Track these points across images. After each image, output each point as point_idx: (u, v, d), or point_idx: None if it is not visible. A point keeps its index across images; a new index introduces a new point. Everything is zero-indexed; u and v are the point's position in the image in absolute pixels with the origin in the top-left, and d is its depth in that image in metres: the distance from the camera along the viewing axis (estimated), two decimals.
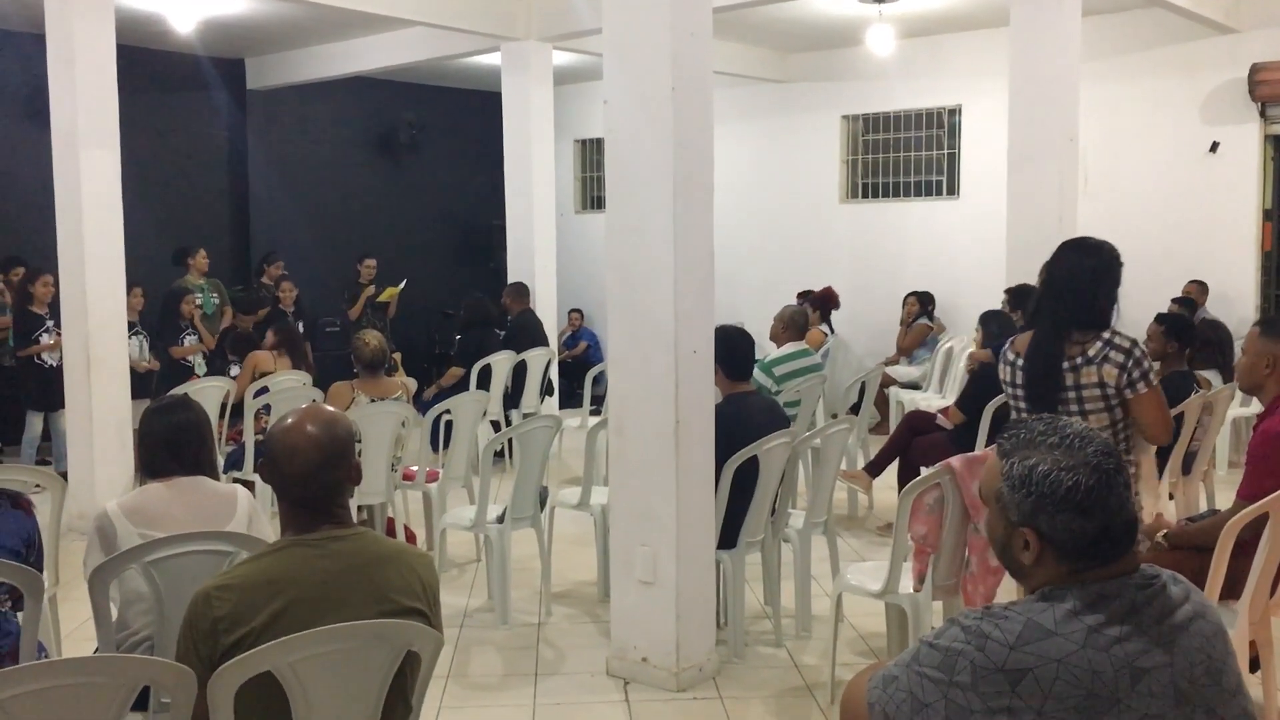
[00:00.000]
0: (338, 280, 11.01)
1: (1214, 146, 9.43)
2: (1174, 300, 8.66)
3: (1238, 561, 3.47)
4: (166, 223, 10.39)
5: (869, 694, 1.88)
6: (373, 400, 5.91)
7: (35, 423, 8.38)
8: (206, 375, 8.29)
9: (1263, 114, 9.24)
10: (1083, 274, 3.57)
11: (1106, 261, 3.59)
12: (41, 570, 3.34)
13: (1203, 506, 5.92)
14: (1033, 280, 6.98)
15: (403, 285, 10.74)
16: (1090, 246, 3.65)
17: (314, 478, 2.34)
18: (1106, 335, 3.50)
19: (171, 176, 10.93)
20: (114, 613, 3.07)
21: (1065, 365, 3.52)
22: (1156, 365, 6.08)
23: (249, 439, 6.52)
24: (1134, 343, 3.50)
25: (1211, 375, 6.70)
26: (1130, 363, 3.48)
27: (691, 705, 4.18)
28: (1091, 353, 3.49)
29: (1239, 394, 6.76)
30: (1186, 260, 9.43)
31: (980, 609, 1.83)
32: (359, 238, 11.76)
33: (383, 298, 10.63)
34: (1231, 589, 3.50)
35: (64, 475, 6.54)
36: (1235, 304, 9.25)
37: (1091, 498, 1.79)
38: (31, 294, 8.22)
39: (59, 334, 7.49)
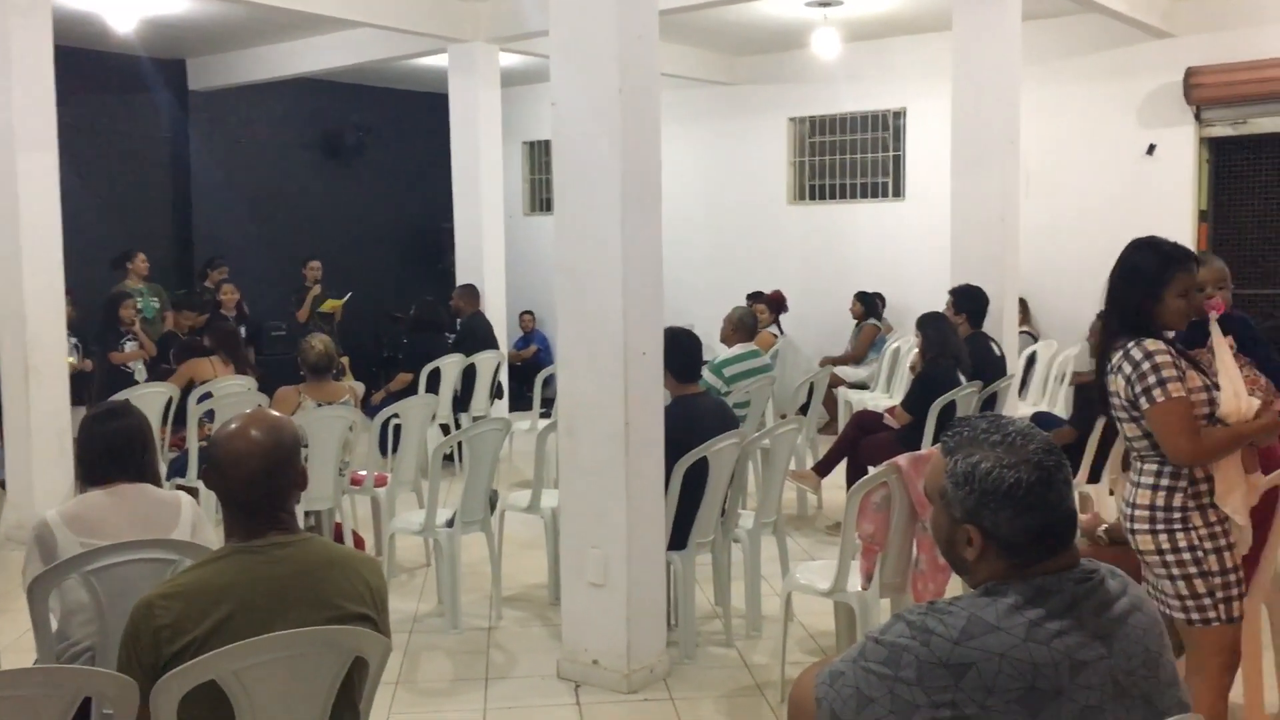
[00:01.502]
0: (283, 284, 10.89)
1: (1151, 149, 9.61)
2: None
3: None
4: (107, 227, 10.23)
5: (816, 690, 1.90)
6: (319, 405, 5.86)
7: None
8: (147, 381, 8.15)
9: (1198, 117, 9.43)
10: (1122, 273, 3.34)
11: (1148, 260, 3.29)
12: None
13: None
14: (977, 280, 7.16)
15: (347, 297, 10.62)
16: (1139, 244, 3.39)
17: (258, 484, 2.32)
18: (1129, 344, 3.20)
19: (112, 179, 10.76)
20: (54, 623, 3.01)
21: (1108, 368, 3.27)
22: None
23: (192, 445, 6.43)
24: (1148, 354, 3.14)
25: None
26: (1135, 375, 3.13)
27: (643, 706, 4.19)
28: (1113, 360, 3.24)
29: None
30: None
31: (925, 605, 1.85)
32: (305, 241, 11.63)
33: (325, 308, 10.51)
34: None
35: (1, 484, 6.41)
36: None
37: (1033, 494, 1.82)
38: None
39: None
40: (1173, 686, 1.87)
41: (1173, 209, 9.62)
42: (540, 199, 13.40)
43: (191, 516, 3.22)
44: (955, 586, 3.82)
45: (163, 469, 6.21)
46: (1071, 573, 1.84)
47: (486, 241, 9.77)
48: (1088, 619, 1.80)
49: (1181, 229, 9.63)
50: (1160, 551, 3.12)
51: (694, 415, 4.69)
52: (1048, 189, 9.78)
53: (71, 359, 8.34)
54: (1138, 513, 3.17)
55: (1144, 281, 3.24)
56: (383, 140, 12.69)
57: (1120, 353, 3.20)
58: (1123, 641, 1.81)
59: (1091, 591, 1.83)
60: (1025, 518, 1.82)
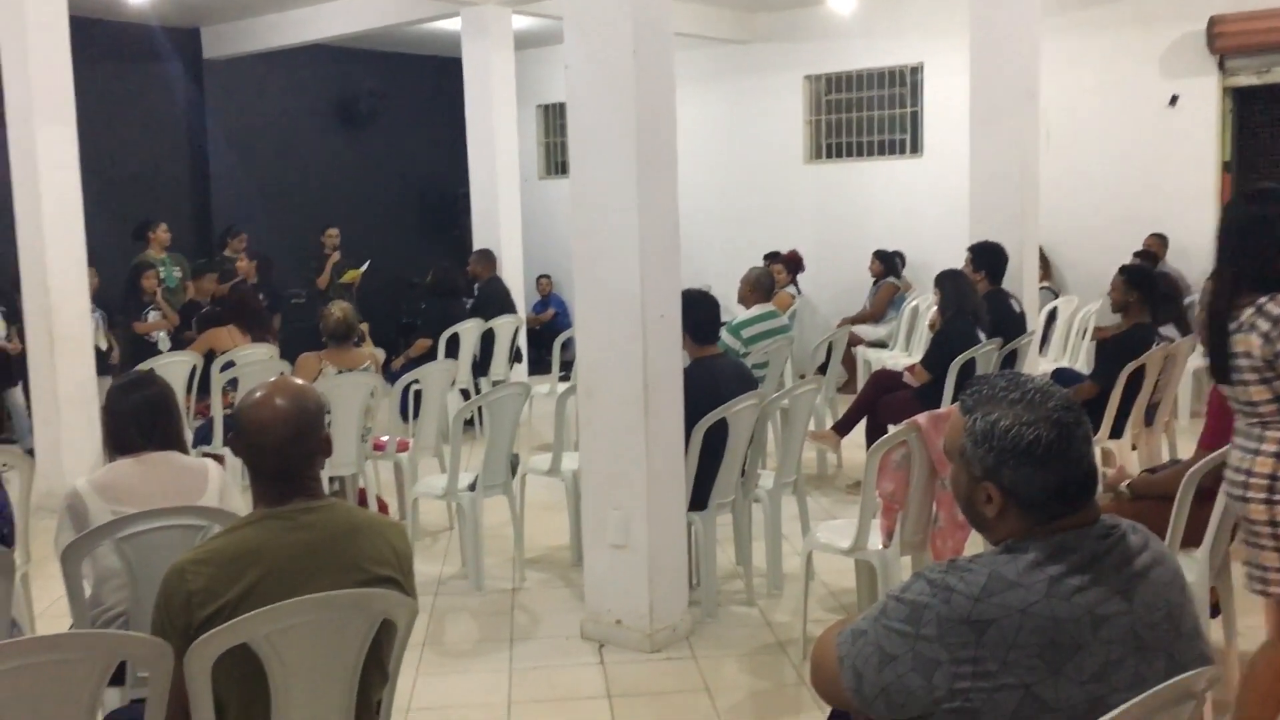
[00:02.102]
0: (300, 251, 10.92)
1: (1173, 100, 9.49)
2: (1135, 254, 8.75)
3: (1199, 510, 3.54)
4: (124, 197, 10.26)
5: (838, 649, 1.92)
6: (340, 371, 5.89)
7: None
8: (171, 351, 8.21)
9: (1221, 66, 9.30)
10: (1242, 226, 3.13)
11: (1276, 211, 3.10)
12: (12, 547, 3.33)
13: (1165, 457, 6.02)
14: (996, 236, 7.11)
15: (365, 267, 10.64)
16: (1256, 196, 3.24)
17: (284, 451, 2.35)
18: (1263, 300, 3.00)
19: (128, 150, 10.78)
20: (87, 590, 3.06)
21: (1231, 328, 3.07)
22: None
23: (217, 413, 6.49)
24: None
25: (1168, 330, 6.78)
26: (1277, 333, 2.95)
27: (666, 665, 4.24)
28: (1243, 318, 3.03)
29: (1200, 345, 6.86)
30: (1147, 214, 9.52)
31: (945, 562, 1.87)
32: (321, 208, 11.65)
33: (345, 279, 10.53)
34: (1193, 537, 3.57)
35: (30, 453, 6.49)
36: (1195, 257, 9.34)
37: (1052, 451, 1.83)
38: None
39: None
40: (1195, 639, 1.88)
41: (1196, 160, 9.52)
42: (555, 162, 13.36)
43: (219, 483, 3.27)
44: (975, 544, 3.84)
45: (188, 437, 6.27)
46: (1093, 528, 1.85)
47: (502, 206, 9.76)
48: (1108, 574, 1.81)
49: (1204, 181, 9.55)
50: (1274, 523, 2.99)
51: (713, 377, 4.70)
52: (1068, 142, 9.68)
53: (102, 341, 8.43)
54: (1255, 480, 3.02)
55: (1273, 233, 3.04)
56: (397, 106, 12.67)
57: (1253, 310, 3.00)
58: (1144, 596, 1.82)
59: (1113, 547, 1.84)
60: (1044, 475, 1.83)
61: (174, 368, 6.74)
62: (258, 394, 2.41)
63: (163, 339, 8.78)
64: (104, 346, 8.37)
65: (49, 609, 4.54)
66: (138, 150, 10.95)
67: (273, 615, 2.19)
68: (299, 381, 2.51)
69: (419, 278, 10.84)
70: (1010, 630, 1.74)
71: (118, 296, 9.02)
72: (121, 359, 8.57)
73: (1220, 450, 3.52)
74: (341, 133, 12.54)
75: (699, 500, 4.62)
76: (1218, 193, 9.56)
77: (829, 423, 7.22)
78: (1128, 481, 3.99)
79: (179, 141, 11.58)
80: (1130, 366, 5.63)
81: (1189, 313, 7.23)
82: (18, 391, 8.19)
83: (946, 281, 6.51)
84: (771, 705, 3.97)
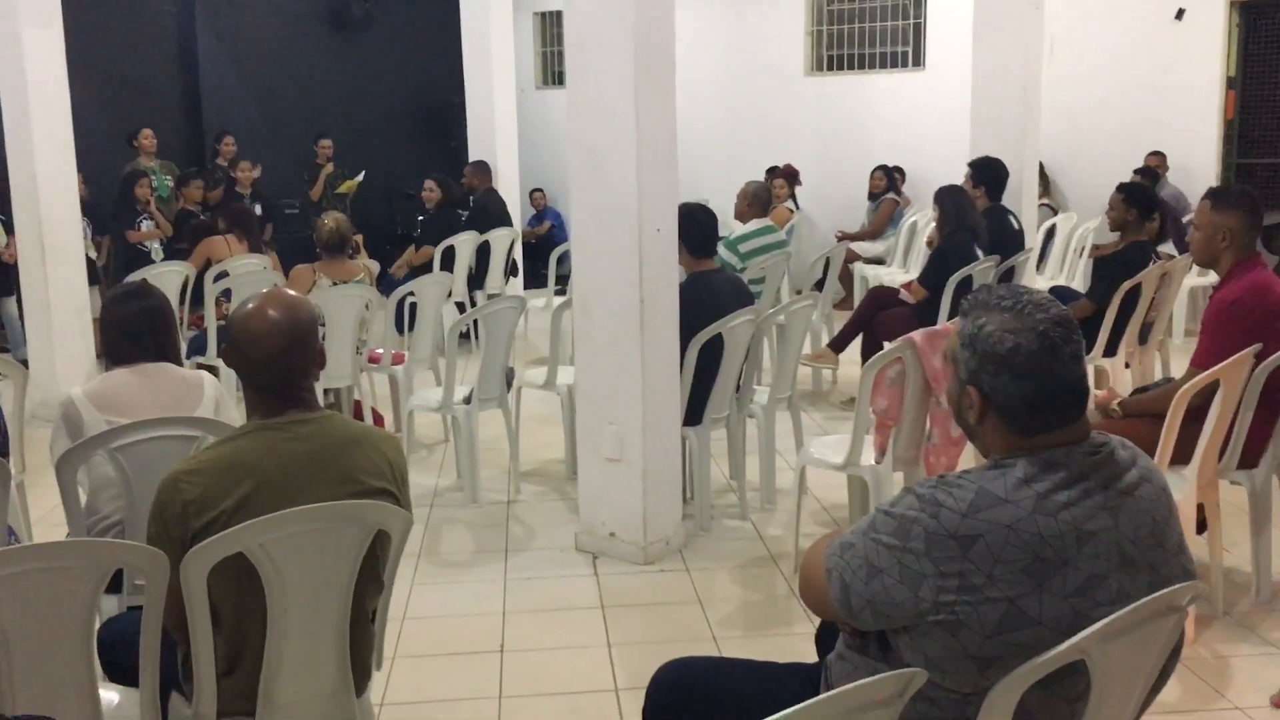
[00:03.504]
0: (293, 161, 10.78)
1: (1180, 14, 9.33)
2: (1135, 172, 8.68)
3: (1189, 428, 3.57)
4: (113, 105, 10.10)
5: (827, 560, 1.94)
6: (335, 283, 5.87)
7: None
8: (164, 260, 8.16)
9: None
10: None
11: None
12: (7, 456, 3.34)
13: (1158, 375, 6.04)
14: (997, 152, 7.04)
15: (360, 177, 10.52)
16: None
17: (278, 363, 2.34)
18: None
19: (117, 56, 10.57)
20: (82, 498, 3.08)
21: None
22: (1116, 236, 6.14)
23: (210, 324, 6.48)
24: None
25: (1166, 247, 6.76)
26: None
27: (659, 577, 4.29)
28: None
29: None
30: (1149, 130, 9.43)
31: (935, 478, 1.88)
32: (314, 117, 11.48)
33: (341, 189, 10.42)
34: (1182, 454, 3.60)
35: (24, 363, 6.49)
36: (1196, 174, 9.28)
37: (1031, 362, 1.82)
38: None
39: None
40: (1178, 555, 1.89)
41: (1200, 76, 9.40)
42: (552, 72, 13.15)
43: (214, 395, 3.27)
44: (968, 460, 3.87)
45: (182, 348, 6.27)
46: (1081, 445, 1.85)
47: (498, 116, 9.62)
48: (1095, 491, 1.82)
49: (1209, 97, 9.43)
50: None
51: (709, 292, 4.69)
52: (1072, 57, 9.54)
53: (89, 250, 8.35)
54: None
55: None
56: (391, 12, 12.41)
57: None
58: (1129, 513, 1.83)
59: (1100, 464, 1.84)
60: (1021, 384, 1.83)
61: (167, 278, 6.71)
62: (250, 305, 2.39)
63: (156, 249, 8.73)
64: (91, 255, 8.31)
65: (45, 516, 4.57)
66: (126, 56, 10.74)
67: (268, 525, 2.21)
68: (292, 293, 2.50)
69: (414, 189, 10.73)
70: (997, 545, 1.75)
71: (109, 205, 8.93)
72: (114, 268, 8.52)
73: (1214, 368, 3.54)
74: (335, 38, 12.30)
75: (694, 415, 4.64)
76: (1221, 110, 9.45)
77: (825, 339, 7.22)
78: (1119, 400, 4.00)
79: (169, 48, 11.36)
80: (1126, 285, 5.61)
81: (1187, 231, 7.20)
82: (11, 302, 8.17)
83: (946, 197, 6.45)
84: (763, 617, 4.03)
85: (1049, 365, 1.83)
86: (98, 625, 2.50)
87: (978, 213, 6.57)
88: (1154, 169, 8.99)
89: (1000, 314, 1.86)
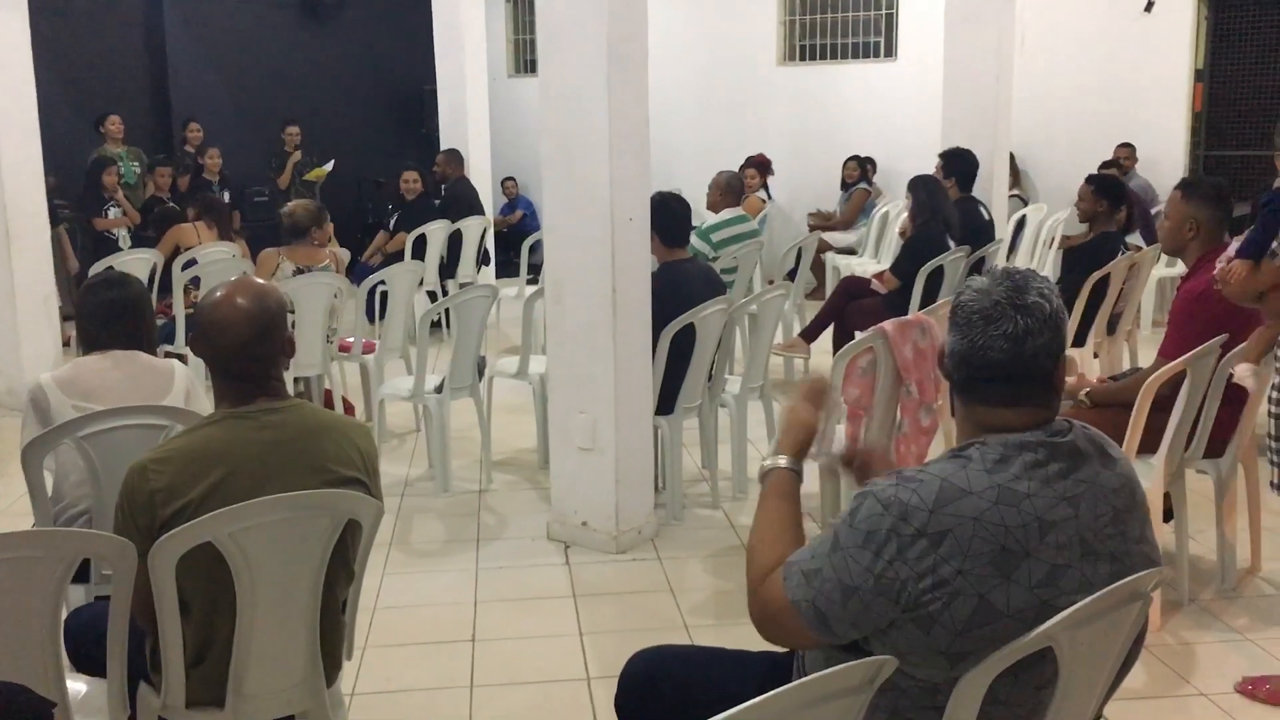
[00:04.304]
0: (262, 148, 10.69)
1: (1149, 6, 9.40)
2: (1103, 164, 8.75)
3: (1156, 417, 3.60)
4: (79, 90, 9.96)
5: (790, 594, 1.87)
6: (299, 268, 5.85)
7: None
8: (132, 248, 8.08)
9: None
10: None
11: None
12: None
13: (1126, 365, 6.10)
14: (968, 143, 7.07)
15: (330, 166, 10.42)
16: None
17: (244, 351, 2.32)
18: None
19: (84, 41, 10.43)
20: (49, 487, 3.05)
21: None
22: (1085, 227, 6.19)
23: (179, 312, 6.42)
24: None
25: (1134, 238, 6.82)
26: None
27: (631, 566, 4.30)
28: None
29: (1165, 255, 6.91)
30: (1118, 122, 9.50)
31: (893, 474, 1.85)
32: (284, 104, 11.36)
33: (310, 177, 10.33)
34: (1149, 443, 3.63)
35: None
36: (1165, 166, 9.36)
37: (975, 319, 1.83)
38: None
39: None
40: (1140, 543, 1.89)
41: (1169, 68, 9.47)
42: (524, 60, 13.10)
43: (185, 384, 3.24)
44: (938, 449, 3.89)
45: None
46: (1042, 430, 1.85)
47: (470, 103, 9.57)
48: (1056, 480, 1.82)
49: (1177, 89, 9.51)
50: None
51: (681, 281, 4.69)
52: (1043, 48, 9.59)
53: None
54: None
55: None
56: None
57: None
58: (1090, 501, 1.83)
59: (1060, 451, 1.84)
60: (960, 340, 1.85)
61: (135, 265, 6.63)
62: (218, 293, 2.38)
63: (124, 236, 8.64)
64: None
65: (12, 506, 4.53)
66: (93, 41, 10.60)
67: (238, 514, 2.19)
68: (260, 281, 2.48)
69: (385, 177, 10.66)
70: (965, 539, 1.75)
71: (76, 191, 8.83)
72: (80, 256, 8.43)
73: (1181, 358, 3.57)
74: (305, 24, 12.18)
75: (666, 404, 4.64)
76: (1189, 102, 9.53)
77: (797, 329, 7.24)
78: (1087, 390, 4.04)
79: (136, 32, 11.21)
80: (1095, 275, 5.66)
81: (1155, 222, 7.26)
82: None
83: (920, 187, 6.47)
84: (734, 606, 4.03)
85: (993, 328, 1.82)
86: (65, 615, 2.48)
87: (951, 203, 6.60)
88: (1122, 162, 9.06)
89: (984, 280, 1.88)
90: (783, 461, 2.14)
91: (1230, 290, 3.55)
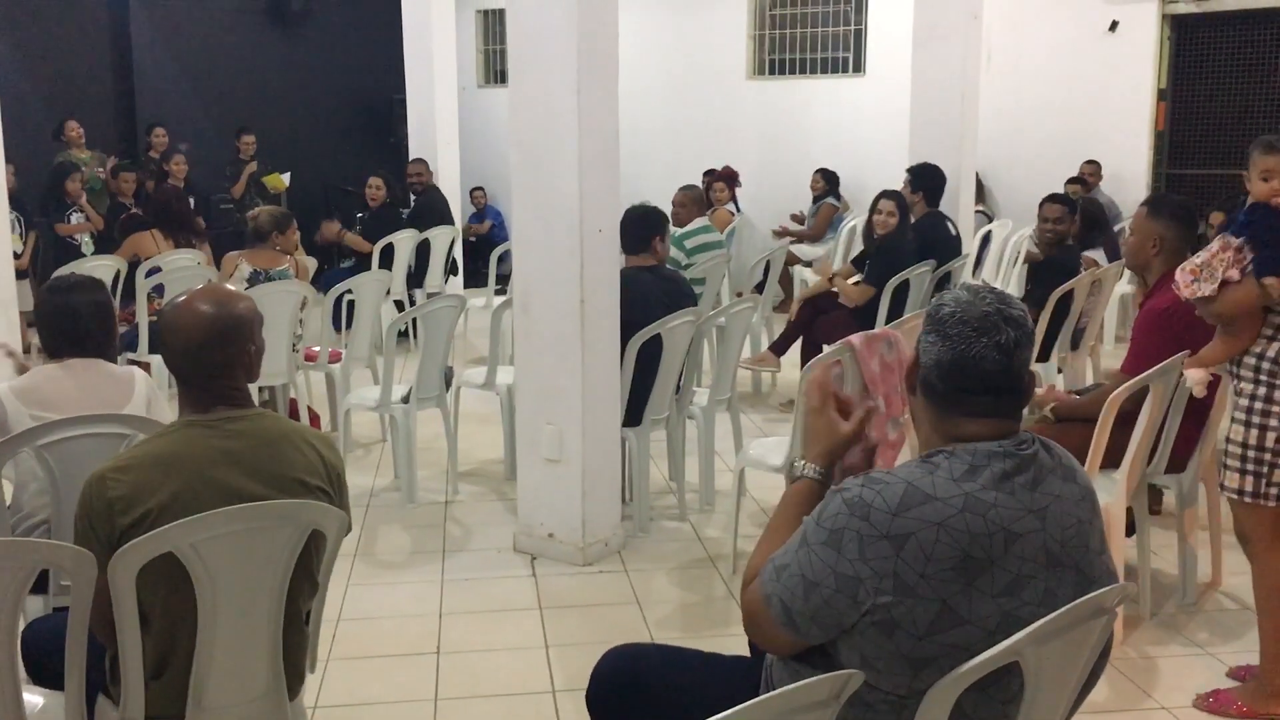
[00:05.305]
0: (227, 155, 10.62)
1: (1113, 26, 9.53)
2: (1068, 181, 8.84)
3: (1119, 433, 3.63)
4: (44, 95, 9.86)
5: (763, 589, 1.91)
6: (256, 270, 5.82)
7: None
8: (95, 255, 7.98)
9: None
10: None
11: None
12: None
13: (1089, 380, 6.16)
14: (935, 159, 7.12)
15: (286, 177, 10.31)
16: None
17: (197, 355, 2.30)
18: None
19: (49, 46, 10.34)
20: (8, 496, 3.00)
21: None
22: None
23: (142, 320, 6.34)
24: None
25: (1096, 255, 6.90)
26: None
27: (597, 578, 4.28)
28: None
29: (1127, 271, 6.99)
30: (1083, 140, 9.61)
31: (861, 476, 1.88)
32: (251, 111, 11.29)
33: (269, 186, 10.24)
34: (1112, 458, 3.66)
35: None
36: (1129, 184, 9.48)
37: (966, 331, 1.84)
38: None
39: None
40: (1102, 555, 1.92)
41: (1133, 87, 9.59)
42: (494, 71, 13.09)
43: (146, 392, 3.20)
44: (903, 461, 3.90)
45: None
46: (1007, 441, 1.87)
47: (439, 113, 9.55)
48: (1021, 491, 1.83)
49: (1140, 108, 9.63)
50: None
51: (635, 288, 4.65)
52: (1009, 66, 9.69)
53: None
54: None
55: None
56: (329, 6, 12.27)
57: None
58: (1055, 514, 1.85)
59: (1026, 464, 1.85)
60: (940, 348, 1.86)
61: (97, 272, 6.54)
62: (180, 299, 2.37)
63: (86, 242, 8.53)
64: (18, 250, 8.08)
65: None
66: (59, 45, 10.49)
67: (199, 524, 2.16)
68: (226, 288, 2.46)
69: (353, 185, 10.60)
70: (928, 544, 1.76)
71: (37, 196, 8.72)
72: (42, 261, 8.31)
73: (1141, 375, 3.61)
74: (273, 31, 12.12)
75: (633, 416, 4.63)
76: (1152, 121, 9.66)
77: (765, 342, 7.26)
78: (1052, 405, 4.07)
79: (102, 38, 11.11)
80: (1059, 291, 5.71)
81: (1119, 239, 7.35)
82: None
83: (899, 198, 6.55)
84: (701, 618, 4.03)
85: (973, 341, 1.84)
86: (22, 626, 2.44)
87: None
88: (1086, 179, 9.17)
89: (968, 295, 1.90)
90: (810, 472, 2.15)
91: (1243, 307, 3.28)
